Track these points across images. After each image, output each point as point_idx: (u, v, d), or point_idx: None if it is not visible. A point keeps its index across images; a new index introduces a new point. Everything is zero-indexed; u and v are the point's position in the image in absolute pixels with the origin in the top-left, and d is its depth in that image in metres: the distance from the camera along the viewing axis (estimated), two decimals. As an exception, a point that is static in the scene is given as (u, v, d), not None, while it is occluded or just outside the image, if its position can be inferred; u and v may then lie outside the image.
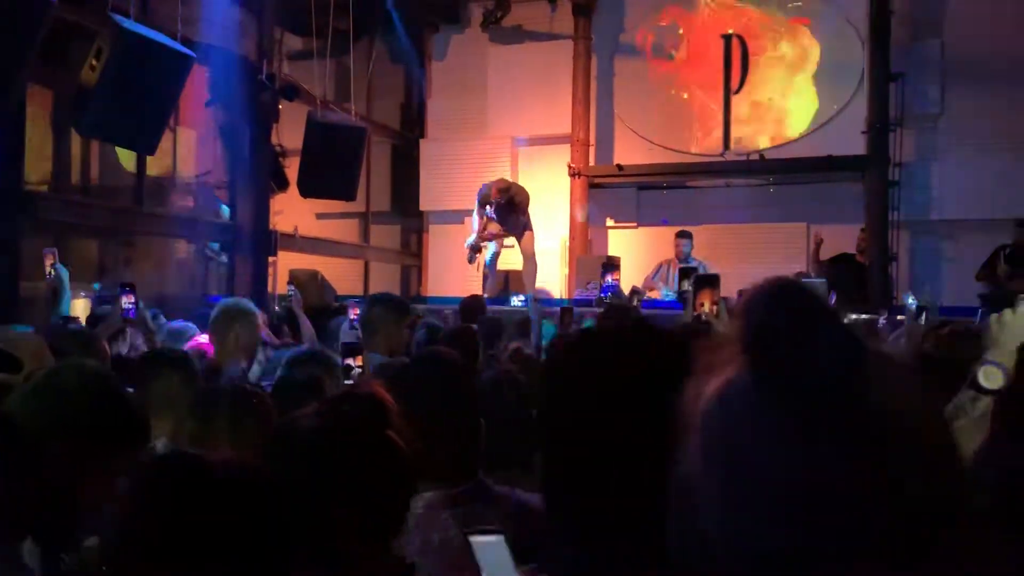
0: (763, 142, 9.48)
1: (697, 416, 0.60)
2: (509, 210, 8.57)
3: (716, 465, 0.58)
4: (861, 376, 0.57)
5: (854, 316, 5.08)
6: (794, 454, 0.55)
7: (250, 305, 3.84)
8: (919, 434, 0.58)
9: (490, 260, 8.92)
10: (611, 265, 3.35)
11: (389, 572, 1.31)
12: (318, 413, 1.33)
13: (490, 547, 1.17)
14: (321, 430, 1.31)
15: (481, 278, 8.98)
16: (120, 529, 1.07)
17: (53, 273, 3.96)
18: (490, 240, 8.73)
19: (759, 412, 0.57)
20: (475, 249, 8.74)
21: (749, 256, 8.96)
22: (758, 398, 0.57)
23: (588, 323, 3.71)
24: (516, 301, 5.91)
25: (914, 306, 4.71)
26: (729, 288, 6.78)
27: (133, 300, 3.68)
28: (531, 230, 8.85)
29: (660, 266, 8.83)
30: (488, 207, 8.55)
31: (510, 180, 8.94)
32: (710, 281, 2.80)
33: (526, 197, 8.68)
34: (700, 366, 0.63)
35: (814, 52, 9.41)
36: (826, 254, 8.74)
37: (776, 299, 0.61)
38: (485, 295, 8.33)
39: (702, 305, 2.85)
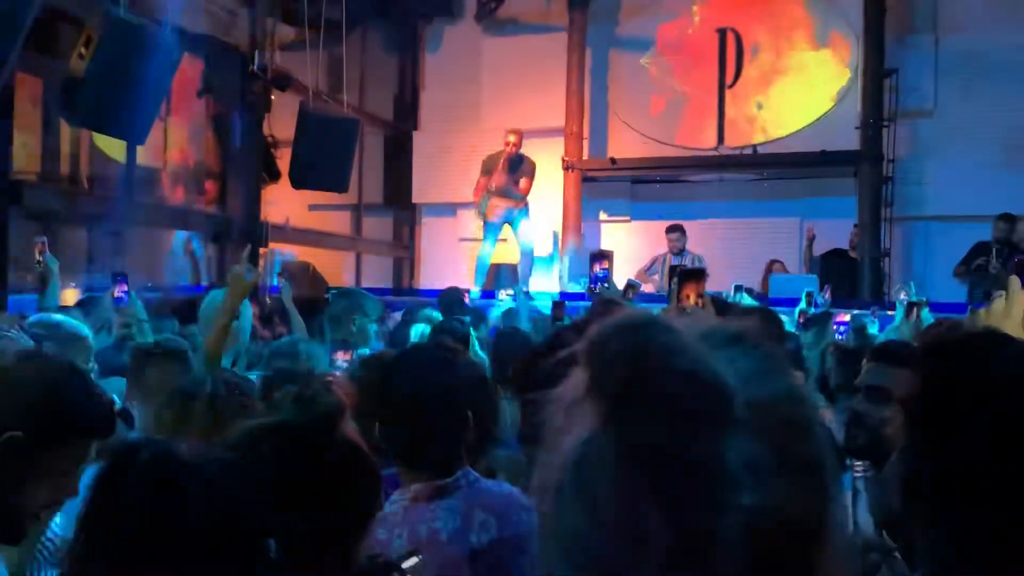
0: (757, 137, 9.47)
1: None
2: (519, 162, 8.57)
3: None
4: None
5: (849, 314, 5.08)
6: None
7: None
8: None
9: (486, 257, 8.89)
10: (600, 255, 3.30)
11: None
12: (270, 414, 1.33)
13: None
14: (271, 431, 1.30)
15: (474, 270, 8.95)
16: (82, 517, 1.04)
17: (42, 262, 3.92)
18: (494, 195, 8.60)
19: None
20: (482, 207, 8.65)
21: (742, 250, 8.96)
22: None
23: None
24: (504, 294, 5.87)
25: (905, 303, 4.73)
26: (722, 282, 6.79)
27: (125, 289, 3.69)
28: (529, 218, 8.84)
29: (655, 259, 8.80)
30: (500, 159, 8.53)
31: None
32: (695, 275, 2.78)
33: (534, 164, 8.69)
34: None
35: (808, 47, 9.39)
36: (819, 249, 8.75)
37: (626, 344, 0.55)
38: (477, 287, 8.33)
39: (687, 298, 2.83)
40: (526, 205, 8.82)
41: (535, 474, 0.58)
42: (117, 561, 1.01)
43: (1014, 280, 1.38)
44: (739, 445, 0.52)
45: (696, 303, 2.71)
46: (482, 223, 8.81)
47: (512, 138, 8.57)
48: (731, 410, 0.52)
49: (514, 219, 8.80)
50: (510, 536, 1.79)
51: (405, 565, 1.20)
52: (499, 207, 8.66)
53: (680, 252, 8.56)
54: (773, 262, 8.59)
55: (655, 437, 0.51)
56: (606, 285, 3.18)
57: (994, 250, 7.60)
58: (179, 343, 2.99)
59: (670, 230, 8.63)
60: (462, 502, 1.81)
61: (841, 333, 3.96)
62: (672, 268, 2.83)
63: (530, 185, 8.78)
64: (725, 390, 0.53)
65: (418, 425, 1.83)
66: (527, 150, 8.80)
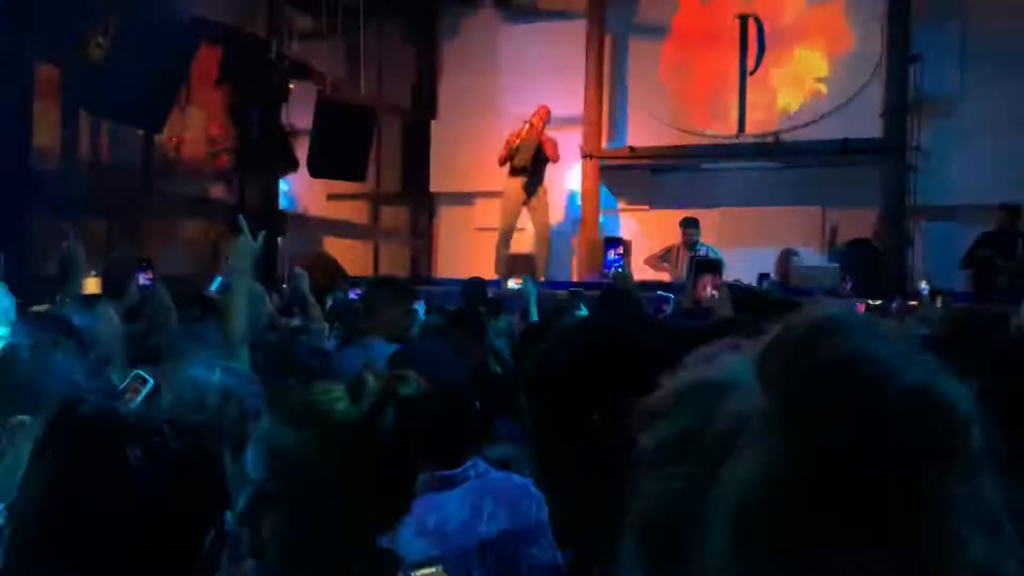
0: (778, 125, 9.36)
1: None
2: (544, 136, 8.64)
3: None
4: None
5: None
6: None
7: (256, 285, 3.80)
8: None
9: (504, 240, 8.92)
10: (614, 240, 3.28)
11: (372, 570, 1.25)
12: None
13: None
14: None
15: (494, 260, 8.93)
16: (23, 484, 1.01)
17: (66, 249, 3.86)
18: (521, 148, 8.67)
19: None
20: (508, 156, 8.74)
21: (763, 239, 8.85)
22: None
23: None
24: (512, 283, 5.83)
25: (926, 291, 4.67)
26: (741, 272, 6.70)
27: (151, 276, 3.72)
28: (547, 204, 8.86)
29: (669, 248, 8.71)
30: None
31: None
32: (712, 265, 2.75)
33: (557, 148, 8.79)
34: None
35: (832, 33, 9.27)
36: (842, 239, 8.65)
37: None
38: (497, 276, 8.32)
39: (704, 288, 2.80)
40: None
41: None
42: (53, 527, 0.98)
43: None
44: (971, 484, 0.42)
45: (712, 294, 2.69)
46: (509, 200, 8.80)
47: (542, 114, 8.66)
48: (966, 440, 0.42)
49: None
50: (520, 527, 1.79)
51: (418, 573, 1.18)
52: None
53: (693, 245, 8.45)
54: (788, 252, 8.47)
55: (880, 474, 0.40)
56: (619, 269, 3.15)
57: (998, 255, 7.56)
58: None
59: (684, 223, 8.51)
60: (471, 493, 1.81)
61: None
62: (691, 259, 2.80)
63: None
64: (960, 414, 0.42)
65: (427, 415, 1.83)
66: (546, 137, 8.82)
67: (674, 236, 8.95)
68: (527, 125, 8.70)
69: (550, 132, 8.87)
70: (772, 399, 0.43)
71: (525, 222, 8.96)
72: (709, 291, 2.74)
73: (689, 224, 8.44)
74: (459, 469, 1.83)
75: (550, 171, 9.19)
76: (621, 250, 3.26)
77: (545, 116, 8.73)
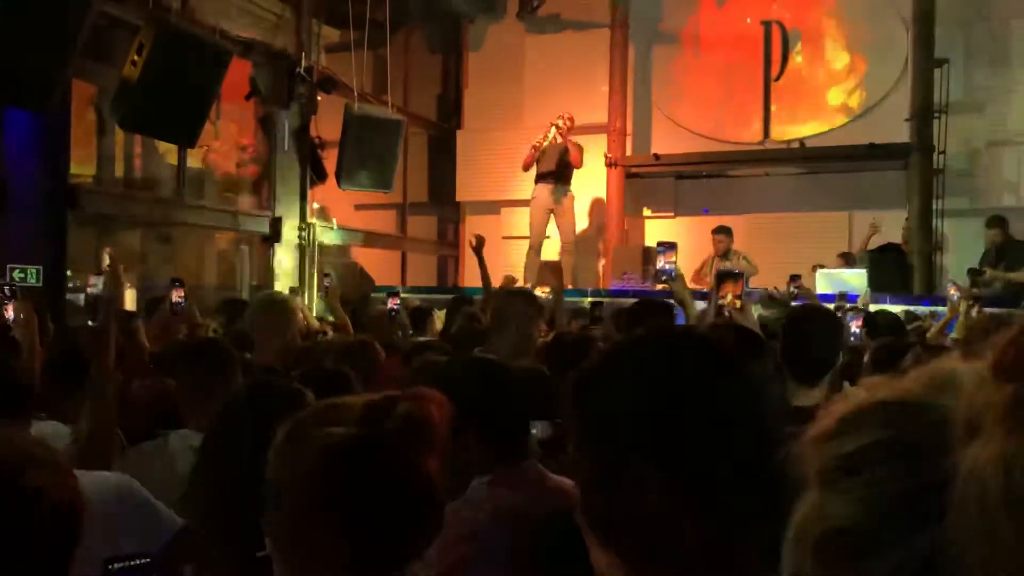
0: (805, 130, 9.35)
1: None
2: (568, 141, 8.72)
3: None
4: None
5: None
6: None
7: (288, 297, 3.90)
8: None
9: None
10: (667, 245, 3.18)
11: None
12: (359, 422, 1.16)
13: None
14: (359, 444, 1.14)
15: (523, 268, 8.99)
16: None
17: (109, 270, 3.92)
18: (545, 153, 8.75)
19: None
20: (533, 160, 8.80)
21: (790, 245, 8.84)
22: None
23: None
24: (539, 292, 5.86)
25: (956, 299, 4.64)
26: (769, 278, 6.67)
27: (183, 295, 3.81)
28: (573, 212, 8.90)
29: (704, 261, 8.75)
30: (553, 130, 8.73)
31: None
32: (732, 276, 2.79)
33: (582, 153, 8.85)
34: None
35: (858, 37, 9.24)
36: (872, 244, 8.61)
37: None
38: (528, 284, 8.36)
39: (724, 297, 2.83)
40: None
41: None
42: None
43: None
44: None
45: (733, 303, 2.72)
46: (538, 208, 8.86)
47: (561, 122, 8.74)
48: None
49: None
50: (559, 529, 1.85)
51: None
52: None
53: (725, 253, 8.49)
54: (815, 267, 8.44)
55: None
56: (673, 277, 3.11)
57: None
58: (218, 341, 3.08)
59: (716, 231, 8.56)
60: (534, 484, 1.92)
61: (854, 334, 3.93)
62: (719, 275, 2.82)
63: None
64: None
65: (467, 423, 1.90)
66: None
67: (698, 243, 8.97)
68: (552, 128, 8.75)
69: (574, 138, 8.92)
70: (1011, 391, 0.45)
71: (552, 229, 9.00)
72: (730, 299, 2.76)
73: (720, 231, 8.48)
74: (520, 467, 1.92)
75: (576, 179, 9.23)
76: (673, 257, 3.14)
77: (570, 122, 8.78)
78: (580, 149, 8.84)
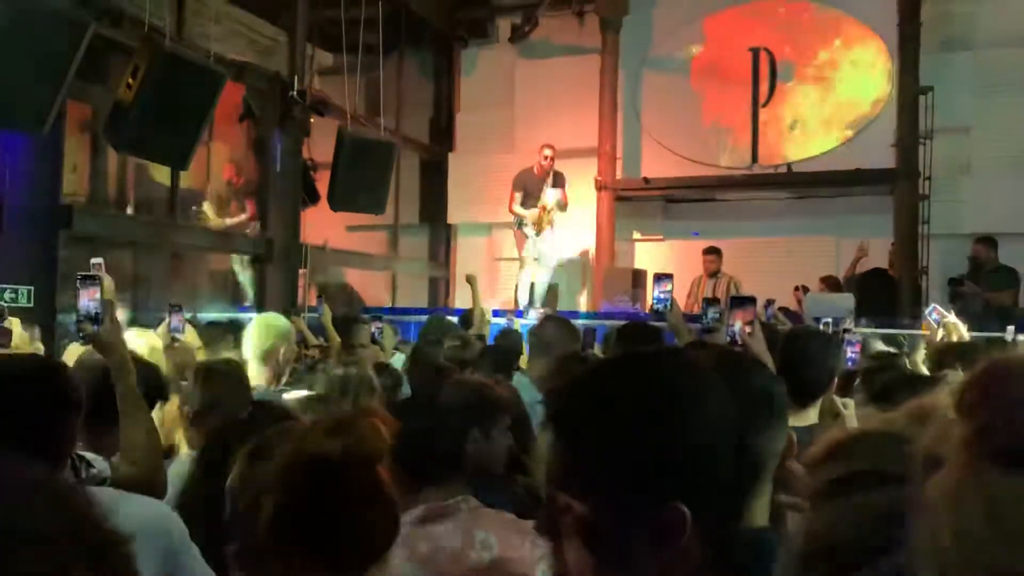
0: (791, 155, 9.46)
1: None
2: (559, 175, 8.82)
3: None
4: None
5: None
6: None
7: (284, 319, 3.93)
8: None
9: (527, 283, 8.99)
10: (663, 276, 3.23)
11: None
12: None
13: None
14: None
15: (514, 290, 9.03)
16: None
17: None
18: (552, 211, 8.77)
19: None
20: (535, 225, 8.79)
21: (777, 269, 8.92)
22: None
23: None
24: (532, 314, 5.93)
25: (937, 322, 4.70)
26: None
27: (181, 320, 3.86)
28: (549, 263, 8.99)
29: (692, 283, 8.86)
30: (537, 171, 8.76)
31: None
32: (744, 302, 2.82)
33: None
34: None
35: (843, 65, 9.38)
36: (860, 268, 8.69)
37: None
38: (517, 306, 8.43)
39: (735, 321, 2.85)
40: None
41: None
42: None
43: None
44: None
45: (744, 330, 2.74)
46: (526, 238, 8.88)
47: (549, 152, 8.76)
48: None
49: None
50: (512, 557, 1.80)
51: None
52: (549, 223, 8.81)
53: (715, 273, 8.63)
54: (798, 288, 8.54)
55: None
56: (668, 307, 3.14)
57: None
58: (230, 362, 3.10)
59: (707, 251, 8.71)
60: (463, 523, 1.84)
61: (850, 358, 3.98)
62: (708, 301, 2.84)
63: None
64: None
65: (422, 447, 1.88)
66: (560, 170, 8.94)
67: (688, 266, 9.05)
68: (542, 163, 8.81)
69: (560, 166, 8.97)
70: (970, 428, 0.50)
71: (537, 249, 9.03)
72: (742, 327, 2.78)
73: (712, 252, 8.66)
74: (451, 501, 1.86)
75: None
76: (669, 287, 3.16)
77: (552, 150, 8.83)
78: (564, 184, 8.93)
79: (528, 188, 8.78)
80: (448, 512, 1.85)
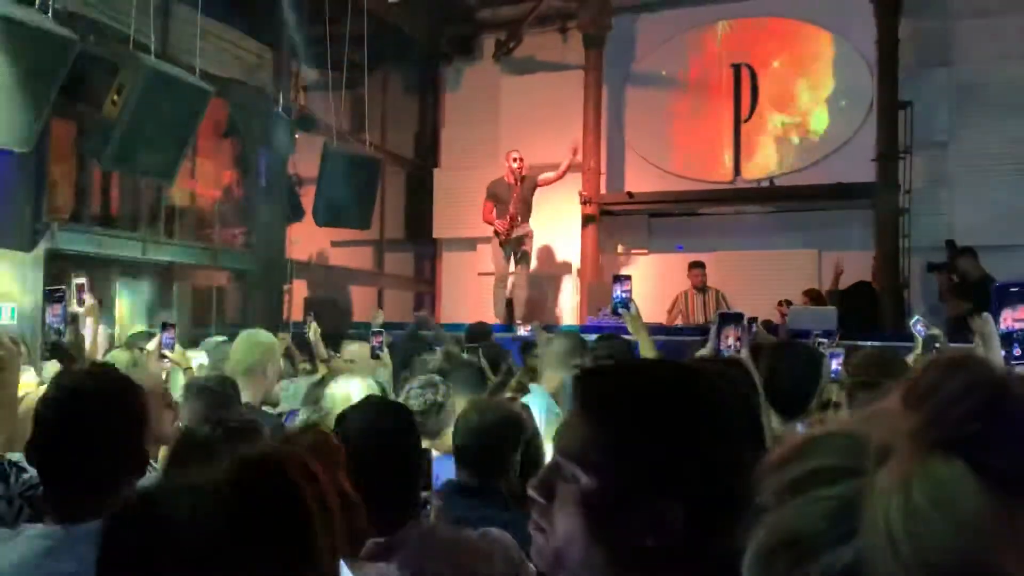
0: (773, 170, 9.56)
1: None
2: (525, 180, 8.72)
3: None
4: None
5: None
6: None
7: (269, 335, 3.94)
8: None
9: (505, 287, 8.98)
10: (622, 277, 3.32)
11: None
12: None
13: None
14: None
15: (493, 303, 9.04)
16: None
17: (84, 302, 3.88)
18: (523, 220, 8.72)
19: None
20: (503, 234, 8.71)
21: (760, 283, 9.00)
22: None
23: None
24: (522, 331, 5.96)
25: (923, 334, 4.75)
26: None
27: (172, 336, 3.88)
28: (527, 263, 8.95)
29: (676, 297, 8.92)
30: (507, 178, 8.69)
31: None
32: (734, 318, 2.87)
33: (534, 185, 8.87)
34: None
35: (823, 80, 9.51)
36: (843, 282, 8.78)
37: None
38: (497, 320, 8.44)
39: (727, 338, 2.89)
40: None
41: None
42: None
43: (987, 320, 1.42)
44: None
45: (734, 345, 2.77)
46: (502, 250, 8.85)
47: (516, 154, 8.75)
48: None
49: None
50: None
51: None
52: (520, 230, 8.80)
53: (701, 287, 8.70)
54: (781, 303, 8.62)
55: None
56: (628, 308, 3.20)
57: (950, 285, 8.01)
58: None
59: (693, 265, 8.78)
60: (412, 558, 1.69)
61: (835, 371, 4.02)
62: (720, 316, 2.87)
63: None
64: None
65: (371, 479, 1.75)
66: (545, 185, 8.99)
67: (672, 280, 9.12)
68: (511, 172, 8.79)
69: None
70: (916, 419, 0.53)
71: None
72: (732, 342, 2.82)
73: (696, 266, 8.72)
74: (398, 533, 1.71)
75: (550, 216, 9.35)
76: (629, 286, 3.26)
77: (520, 161, 8.77)
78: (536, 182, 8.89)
79: (499, 195, 8.78)
80: (395, 546, 1.69)
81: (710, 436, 0.94)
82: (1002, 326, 1.42)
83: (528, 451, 2.43)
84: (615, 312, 3.26)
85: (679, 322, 8.70)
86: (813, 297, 8.58)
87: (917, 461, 0.52)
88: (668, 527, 0.90)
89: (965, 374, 0.54)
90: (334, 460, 1.23)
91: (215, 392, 2.73)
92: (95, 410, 1.66)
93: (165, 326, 3.93)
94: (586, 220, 9.72)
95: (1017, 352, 1.43)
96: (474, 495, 2.34)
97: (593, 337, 4.54)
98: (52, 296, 3.01)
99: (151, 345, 3.88)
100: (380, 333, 4.68)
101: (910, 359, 4.97)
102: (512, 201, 8.65)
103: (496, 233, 8.73)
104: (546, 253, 10.25)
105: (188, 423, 2.57)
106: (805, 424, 2.90)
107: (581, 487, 0.94)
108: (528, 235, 8.85)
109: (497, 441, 2.41)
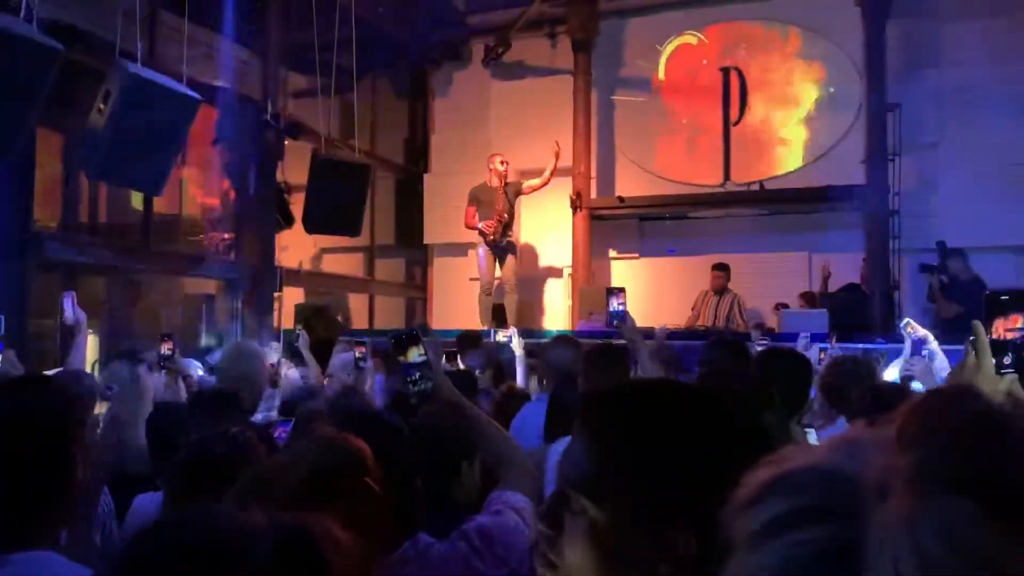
0: (763, 173, 9.57)
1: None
2: (510, 185, 8.67)
3: None
4: None
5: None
6: None
7: (256, 345, 3.93)
8: None
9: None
10: (616, 290, 3.37)
11: None
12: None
13: None
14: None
15: (479, 312, 9.00)
16: None
17: (71, 316, 3.90)
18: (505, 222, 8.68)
19: None
20: (489, 235, 8.63)
21: (751, 286, 9.00)
22: None
23: None
24: (501, 336, 5.91)
25: (914, 337, 4.75)
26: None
27: (171, 347, 3.88)
28: (516, 255, 8.86)
29: (697, 298, 8.86)
30: (490, 182, 8.63)
31: None
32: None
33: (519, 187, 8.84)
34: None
35: (812, 83, 9.53)
36: (833, 284, 8.78)
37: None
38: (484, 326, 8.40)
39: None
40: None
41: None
42: None
43: (978, 328, 1.41)
44: None
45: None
46: (490, 251, 8.79)
47: (500, 158, 8.71)
48: None
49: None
50: None
51: None
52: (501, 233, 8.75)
53: (721, 290, 8.65)
54: (778, 306, 8.61)
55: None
56: (624, 321, 3.23)
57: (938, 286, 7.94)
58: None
59: (716, 267, 8.73)
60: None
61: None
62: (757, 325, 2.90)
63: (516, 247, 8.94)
64: None
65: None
66: (536, 190, 8.97)
67: (664, 283, 9.11)
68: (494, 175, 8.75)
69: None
70: (914, 457, 0.50)
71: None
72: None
73: (720, 268, 8.67)
74: (397, 552, 1.65)
75: (541, 221, 9.34)
76: (623, 298, 3.30)
77: (505, 164, 8.72)
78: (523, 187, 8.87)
79: (481, 199, 8.74)
80: (394, 566, 1.64)
81: (721, 461, 0.89)
82: (993, 335, 1.41)
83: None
84: (611, 325, 3.29)
85: (698, 323, 8.63)
86: (809, 300, 8.58)
87: (921, 501, 0.49)
88: (681, 557, 0.87)
89: (964, 409, 0.52)
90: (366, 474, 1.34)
91: (219, 402, 2.72)
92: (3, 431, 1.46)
93: (163, 337, 3.93)
94: (577, 225, 9.71)
95: (1007, 361, 1.41)
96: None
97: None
98: None
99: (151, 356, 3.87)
100: (363, 343, 4.56)
101: (899, 362, 4.99)
102: (496, 203, 8.61)
103: (481, 234, 8.66)
104: (537, 257, 10.24)
105: (195, 435, 2.55)
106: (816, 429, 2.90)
107: (591, 519, 0.91)
108: (513, 239, 8.82)
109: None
